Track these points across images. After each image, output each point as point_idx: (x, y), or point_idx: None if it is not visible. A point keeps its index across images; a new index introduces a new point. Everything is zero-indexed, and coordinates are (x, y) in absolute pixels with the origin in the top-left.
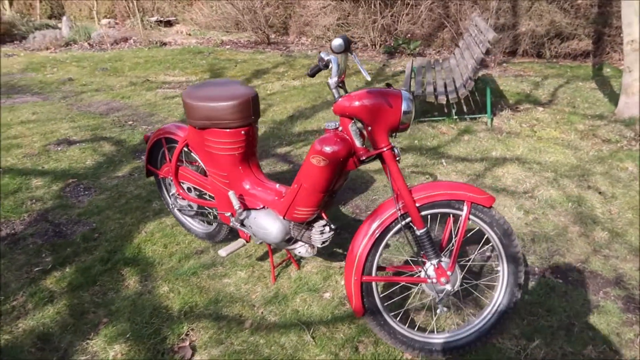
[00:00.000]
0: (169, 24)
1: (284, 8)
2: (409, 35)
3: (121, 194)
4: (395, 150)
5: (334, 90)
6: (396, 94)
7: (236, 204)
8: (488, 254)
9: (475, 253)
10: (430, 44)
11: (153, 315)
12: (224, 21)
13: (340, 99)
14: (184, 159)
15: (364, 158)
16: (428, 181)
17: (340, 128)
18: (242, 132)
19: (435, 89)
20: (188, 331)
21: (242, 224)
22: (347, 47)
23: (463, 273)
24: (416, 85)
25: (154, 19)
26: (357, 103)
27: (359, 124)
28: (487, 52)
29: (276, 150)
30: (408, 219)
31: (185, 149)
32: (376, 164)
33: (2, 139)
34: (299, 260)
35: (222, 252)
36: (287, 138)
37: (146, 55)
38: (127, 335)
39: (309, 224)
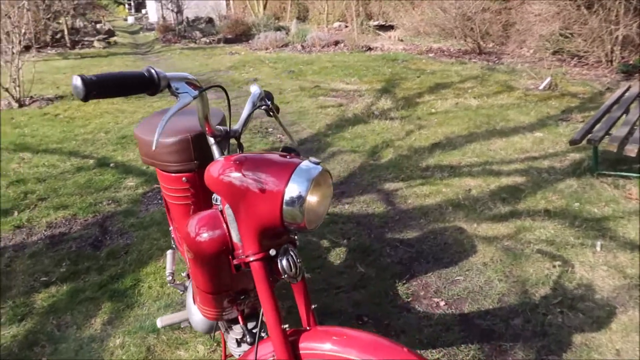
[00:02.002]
0: (388, 28)
1: (506, 13)
2: None
3: None
4: (283, 264)
5: (213, 147)
6: (286, 167)
7: (169, 267)
8: None
9: None
10: None
11: None
12: (436, 27)
13: (214, 162)
14: None
15: (235, 263)
16: (546, 272)
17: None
18: (183, 178)
19: (630, 133)
20: None
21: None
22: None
23: None
24: (622, 125)
25: (374, 23)
26: (218, 174)
27: None
28: None
29: (384, 184)
30: None
31: None
32: (495, 219)
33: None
34: None
35: (159, 321)
36: (408, 171)
37: (339, 60)
38: None
39: (230, 323)
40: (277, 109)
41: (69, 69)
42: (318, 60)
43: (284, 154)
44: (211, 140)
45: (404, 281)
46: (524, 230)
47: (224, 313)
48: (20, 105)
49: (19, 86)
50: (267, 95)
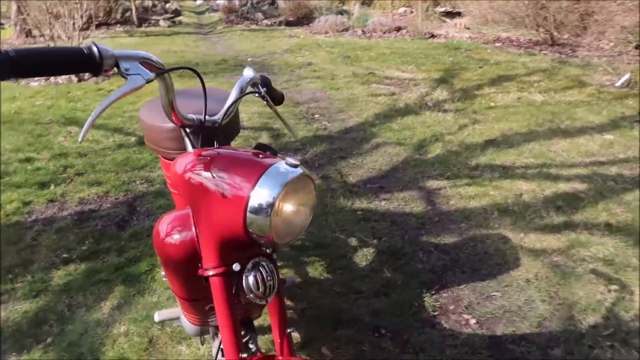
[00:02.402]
0: (455, 15)
1: (585, 2)
2: None
3: None
4: (248, 281)
5: (185, 139)
6: (256, 167)
7: None
8: None
9: None
10: None
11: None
12: (506, 15)
13: (180, 156)
14: None
15: (199, 273)
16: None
17: None
18: None
19: None
20: None
21: None
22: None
23: None
24: None
25: (441, 9)
26: (182, 171)
27: None
28: None
29: (427, 182)
30: None
31: None
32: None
33: None
34: None
35: (157, 315)
36: (455, 169)
37: (399, 47)
38: None
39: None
40: (281, 97)
41: (131, 46)
42: (376, 46)
43: (257, 151)
44: (186, 130)
45: (433, 292)
46: (578, 245)
47: (207, 319)
48: (79, 80)
49: None
50: (263, 81)
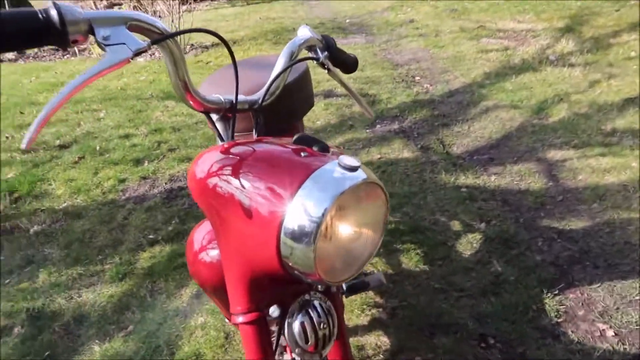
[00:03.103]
0: None
1: None
2: None
3: None
4: (293, 328)
5: (213, 129)
6: (296, 169)
7: None
8: None
9: None
10: None
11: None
12: None
13: (201, 153)
14: None
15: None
16: None
17: None
18: None
19: None
20: None
21: None
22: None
23: None
24: None
25: None
26: (200, 175)
27: None
28: None
29: (548, 152)
30: None
31: None
32: None
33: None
34: None
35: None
36: (585, 135)
37: None
38: None
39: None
40: (353, 63)
41: (232, 16)
42: None
43: (299, 147)
44: (214, 116)
45: (556, 291)
46: None
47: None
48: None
49: None
50: (326, 43)
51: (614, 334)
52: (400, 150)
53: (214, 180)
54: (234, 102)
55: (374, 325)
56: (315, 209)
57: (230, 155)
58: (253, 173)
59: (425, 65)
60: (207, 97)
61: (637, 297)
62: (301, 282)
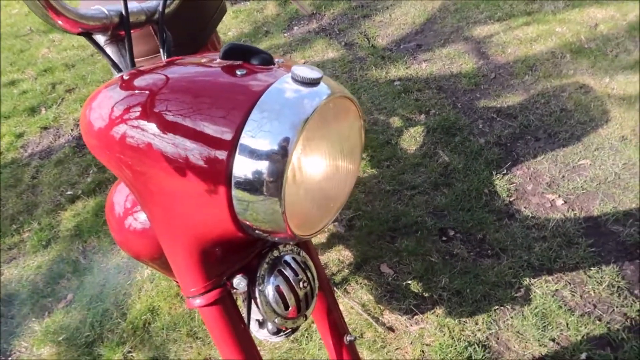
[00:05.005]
0: None
1: None
2: None
3: None
4: (266, 294)
5: (103, 55)
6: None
7: None
8: None
9: None
10: None
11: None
12: None
13: (97, 90)
14: None
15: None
16: None
17: None
18: None
19: None
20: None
21: None
22: None
23: None
24: None
25: None
26: (100, 122)
27: None
28: None
29: (474, 29)
30: None
31: None
32: None
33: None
34: None
35: None
36: (507, 6)
37: None
38: (63, 337)
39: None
40: None
41: None
42: None
43: (232, 63)
44: (100, 39)
45: (504, 171)
46: None
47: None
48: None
49: None
50: None
51: (563, 202)
52: (324, 51)
53: (119, 129)
54: (124, 13)
55: (332, 241)
56: (274, 147)
57: (136, 90)
58: (175, 110)
59: None
60: (83, 11)
61: (580, 162)
62: (266, 241)
